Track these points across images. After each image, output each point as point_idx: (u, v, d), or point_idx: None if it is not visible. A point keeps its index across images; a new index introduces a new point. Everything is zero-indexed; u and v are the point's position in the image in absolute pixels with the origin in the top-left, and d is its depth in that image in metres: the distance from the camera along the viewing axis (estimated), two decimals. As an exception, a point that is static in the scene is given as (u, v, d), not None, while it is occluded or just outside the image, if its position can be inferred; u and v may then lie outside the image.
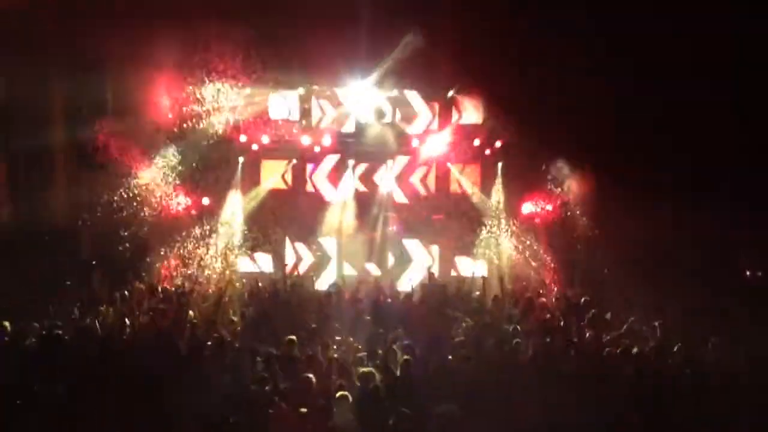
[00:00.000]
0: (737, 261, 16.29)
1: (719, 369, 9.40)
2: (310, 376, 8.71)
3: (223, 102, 16.56)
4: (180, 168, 16.59)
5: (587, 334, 10.98)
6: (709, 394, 8.79)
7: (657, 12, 14.43)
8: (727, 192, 15.23)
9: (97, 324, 10.62)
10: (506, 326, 11.39)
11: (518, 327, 11.18)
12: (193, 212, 16.97)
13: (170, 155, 16.47)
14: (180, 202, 16.85)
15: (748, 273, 16.24)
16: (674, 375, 9.32)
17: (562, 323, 11.74)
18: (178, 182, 16.67)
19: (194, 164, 16.73)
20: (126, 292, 13.22)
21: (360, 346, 10.68)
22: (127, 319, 11.05)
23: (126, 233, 16.16)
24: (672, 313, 12.28)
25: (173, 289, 14.48)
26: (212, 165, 17.13)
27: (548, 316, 12.39)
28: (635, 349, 9.96)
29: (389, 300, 13.95)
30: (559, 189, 17.37)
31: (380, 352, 9.85)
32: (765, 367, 9.25)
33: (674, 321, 11.66)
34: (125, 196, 16.11)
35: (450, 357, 9.72)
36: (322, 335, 10.94)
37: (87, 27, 14.60)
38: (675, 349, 10.02)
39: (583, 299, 13.51)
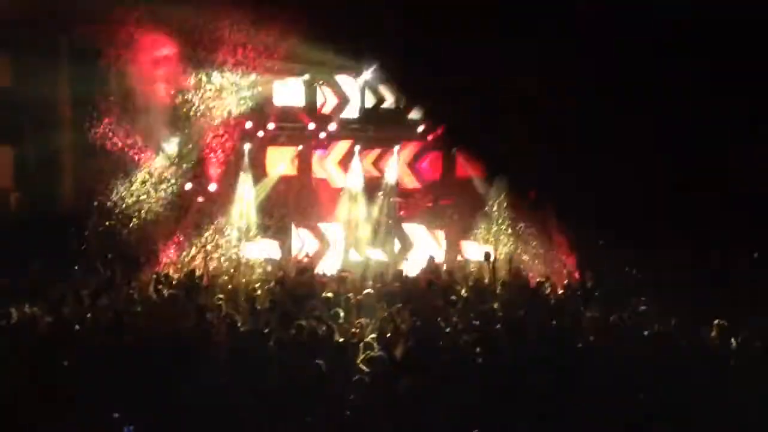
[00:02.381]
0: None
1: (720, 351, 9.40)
2: (320, 362, 8.73)
3: (227, 89, 16.58)
4: (186, 154, 16.62)
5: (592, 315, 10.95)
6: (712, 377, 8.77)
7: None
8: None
9: (105, 310, 10.73)
10: (515, 311, 11.43)
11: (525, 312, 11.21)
12: (200, 199, 17.02)
13: (175, 142, 16.52)
14: (186, 188, 16.91)
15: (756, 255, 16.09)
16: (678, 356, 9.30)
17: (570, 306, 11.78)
18: (184, 169, 16.70)
19: (200, 151, 16.76)
20: (133, 279, 13.32)
21: (367, 331, 10.69)
22: (135, 306, 11.17)
23: (133, 220, 16.24)
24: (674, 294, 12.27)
25: (181, 275, 14.55)
26: (218, 151, 17.15)
27: (555, 299, 12.43)
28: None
29: (396, 284, 13.96)
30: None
31: (388, 335, 9.89)
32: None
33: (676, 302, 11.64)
34: (131, 183, 16.18)
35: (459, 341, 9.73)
36: (328, 320, 10.94)
37: (88, 14, 14.67)
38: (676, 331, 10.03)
39: (590, 282, 13.54)
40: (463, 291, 13.23)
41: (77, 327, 9.77)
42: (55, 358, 8.70)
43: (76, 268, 13.94)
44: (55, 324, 9.75)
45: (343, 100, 17.85)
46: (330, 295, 12.33)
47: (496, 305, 11.81)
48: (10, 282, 12.07)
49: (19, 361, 8.58)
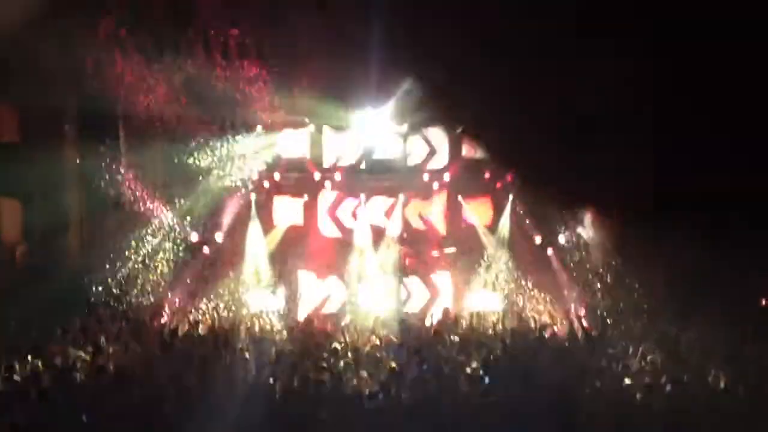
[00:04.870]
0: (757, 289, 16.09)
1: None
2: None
3: (234, 140, 16.81)
4: (192, 206, 16.75)
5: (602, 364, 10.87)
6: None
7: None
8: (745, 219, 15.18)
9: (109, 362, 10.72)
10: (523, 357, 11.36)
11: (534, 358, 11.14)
12: (206, 250, 17.07)
13: (183, 194, 16.65)
14: (193, 239, 16.98)
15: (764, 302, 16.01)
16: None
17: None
18: (191, 220, 16.80)
19: (206, 202, 16.89)
20: (139, 332, 13.31)
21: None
22: (139, 357, 11.16)
23: (139, 273, 16.29)
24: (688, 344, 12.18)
25: (187, 327, 14.52)
26: (225, 202, 17.28)
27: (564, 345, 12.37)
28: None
29: (403, 334, 13.88)
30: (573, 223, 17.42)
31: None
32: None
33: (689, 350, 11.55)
34: (138, 235, 16.28)
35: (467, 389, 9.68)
36: (335, 372, 10.86)
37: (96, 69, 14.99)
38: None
39: (596, 330, 13.48)
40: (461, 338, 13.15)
41: (79, 381, 9.75)
42: (58, 412, 8.66)
43: (81, 321, 13.88)
44: (57, 378, 9.72)
45: (349, 150, 17.98)
46: (337, 346, 12.26)
47: (501, 352, 11.74)
48: (15, 336, 12.07)
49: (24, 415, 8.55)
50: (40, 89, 14.84)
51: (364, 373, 10.87)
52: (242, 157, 17.08)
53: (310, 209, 18.10)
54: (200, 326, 14.39)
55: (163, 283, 16.59)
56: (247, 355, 11.88)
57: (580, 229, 17.43)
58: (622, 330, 13.93)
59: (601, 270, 17.11)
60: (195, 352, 11.87)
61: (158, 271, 16.60)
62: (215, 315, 15.54)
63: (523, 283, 17.37)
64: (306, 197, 18.02)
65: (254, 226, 17.57)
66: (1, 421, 8.48)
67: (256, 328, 15.09)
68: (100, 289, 16.04)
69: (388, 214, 18.10)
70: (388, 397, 9.36)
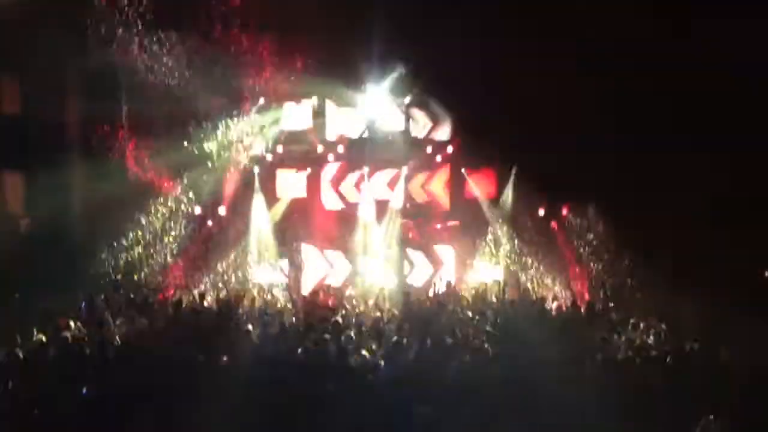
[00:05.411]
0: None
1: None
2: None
3: (238, 113, 16.79)
4: (196, 179, 16.76)
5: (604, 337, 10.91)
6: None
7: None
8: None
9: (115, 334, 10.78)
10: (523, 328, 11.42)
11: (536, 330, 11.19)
12: (210, 223, 17.09)
13: (185, 166, 16.64)
14: (196, 212, 17.00)
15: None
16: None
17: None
18: (194, 193, 16.82)
19: (210, 175, 16.90)
20: (141, 302, 13.37)
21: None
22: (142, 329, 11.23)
23: (142, 245, 16.35)
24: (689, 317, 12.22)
25: (191, 300, 14.58)
26: (228, 175, 17.28)
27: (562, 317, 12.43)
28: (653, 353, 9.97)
29: (406, 307, 13.92)
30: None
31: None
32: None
33: (691, 325, 11.59)
34: (141, 208, 16.31)
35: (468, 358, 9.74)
36: (339, 344, 10.90)
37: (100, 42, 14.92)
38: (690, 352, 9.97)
39: (601, 304, 13.53)
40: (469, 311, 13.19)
41: (86, 354, 9.80)
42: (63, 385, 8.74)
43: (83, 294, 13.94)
44: (62, 351, 9.77)
45: (352, 122, 17.91)
46: (339, 319, 12.31)
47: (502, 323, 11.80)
48: (20, 308, 12.12)
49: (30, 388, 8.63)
50: (42, 60, 14.76)
51: (368, 345, 10.93)
52: (246, 131, 17.04)
53: (313, 182, 18.09)
54: (205, 299, 14.39)
55: (167, 257, 16.65)
56: (251, 327, 11.93)
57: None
58: (624, 302, 13.98)
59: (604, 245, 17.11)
60: (199, 324, 11.92)
61: (163, 245, 16.65)
62: (219, 288, 15.56)
63: (527, 255, 17.40)
64: (309, 170, 18.01)
65: (258, 200, 17.59)
66: (6, 392, 8.57)
67: (260, 301, 15.09)
68: (104, 263, 16.12)
69: (391, 186, 18.08)
70: (389, 369, 9.41)
